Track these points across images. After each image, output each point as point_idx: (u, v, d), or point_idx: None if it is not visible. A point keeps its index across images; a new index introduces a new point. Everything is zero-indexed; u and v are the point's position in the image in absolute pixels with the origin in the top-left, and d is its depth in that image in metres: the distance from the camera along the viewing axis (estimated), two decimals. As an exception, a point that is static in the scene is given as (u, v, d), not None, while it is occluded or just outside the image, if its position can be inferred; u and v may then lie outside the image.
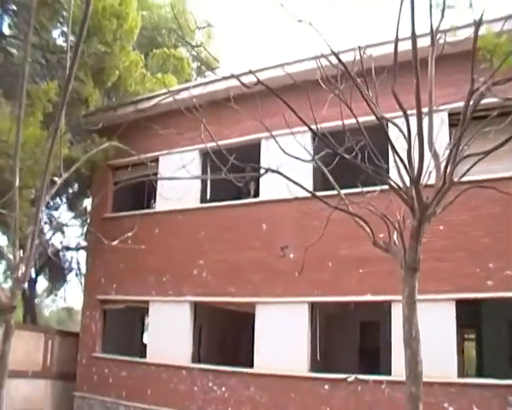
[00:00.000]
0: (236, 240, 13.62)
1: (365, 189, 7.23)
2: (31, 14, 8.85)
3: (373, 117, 5.80)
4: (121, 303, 15.56)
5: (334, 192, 6.65)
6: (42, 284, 26.79)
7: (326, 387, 11.73)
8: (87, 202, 23.34)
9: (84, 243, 23.53)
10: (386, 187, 5.86)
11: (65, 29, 16.25)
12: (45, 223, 21.89)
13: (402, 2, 4.89)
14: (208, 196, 14.98)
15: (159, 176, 14.09)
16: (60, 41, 16.74)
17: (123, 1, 14.81)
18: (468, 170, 5.26)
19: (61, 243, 24.58)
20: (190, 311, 14.03)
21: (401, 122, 5.57)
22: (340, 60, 5.48)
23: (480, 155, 5.09)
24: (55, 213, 23.64)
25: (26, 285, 19.51)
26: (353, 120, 5.79)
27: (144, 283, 14.80)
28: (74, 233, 26.08)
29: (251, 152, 12.31)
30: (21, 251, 8.23)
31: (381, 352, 13.62)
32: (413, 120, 5.20)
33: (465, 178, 5.50)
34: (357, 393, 11.30)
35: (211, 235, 14.10)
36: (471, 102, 5.15)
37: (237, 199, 14.45)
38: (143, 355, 14.86)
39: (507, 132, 5.23)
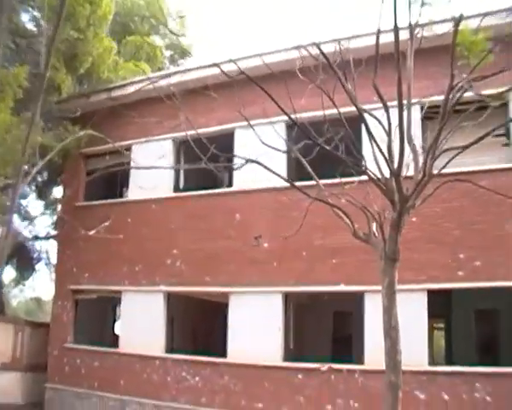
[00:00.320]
0: (211, 229, 13.52)
1: (344, 179, 7.28)
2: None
3: (348, 108, 5.85)
4: (94, 293, 15.34)
5: (312, 183, 6.70)
6: (9, 273, 26.25)
7: (300, 376, 11.81)
8: (57, 191, 22.95)
9: (54, 232, 23.17)
10: (364, 178, 5.92)
11: (36, 13, 15.91)
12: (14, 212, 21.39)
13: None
14: (181, 185, 14.87)
15: (132, 164, 13.91)
16: (30, 25, 16.39)
17: (96, -14, 14.52)
18: (448, 163, 5.34)
19: (30, 232, 24.15)
20: (164, 300, 13.91)
21: (380, 114, 5.63)
22: (321, 50, 5.49)
23: (459, 149, 5.17)
24: (24, 202, 23.17)
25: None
26: (328, 111, 5.82)
27: (117, 272, 14.62)
28: (44, 222, 25.48)
29: (224, 141, 12.23)
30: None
31: (354, 341, 13.77)
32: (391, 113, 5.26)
33: (442, 171, 5.59)
34: (331, 382, 11.41)
35: (184, 224, 13.98)
36: (450, 97, 5.22)
37: (210, 188, 14.37)
38: (115, 345, 14.72)
39: (484, 126, 5.33)
